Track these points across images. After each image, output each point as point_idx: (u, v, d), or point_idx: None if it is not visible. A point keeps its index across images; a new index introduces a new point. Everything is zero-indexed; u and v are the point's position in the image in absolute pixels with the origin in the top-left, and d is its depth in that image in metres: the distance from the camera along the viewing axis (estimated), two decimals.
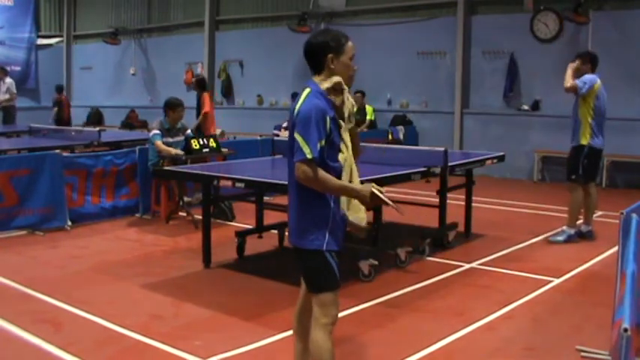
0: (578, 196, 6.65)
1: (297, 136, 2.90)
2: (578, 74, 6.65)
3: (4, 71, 14.59)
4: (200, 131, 10.37)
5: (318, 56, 3.06)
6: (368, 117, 12.78)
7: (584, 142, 6.55)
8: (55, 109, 15.42)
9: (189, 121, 9.71)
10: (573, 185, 6.66)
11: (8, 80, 14.43)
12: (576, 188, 6.65)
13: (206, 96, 11.17)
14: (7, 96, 14.28)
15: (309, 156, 2.86)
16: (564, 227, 6.76)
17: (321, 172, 2.91)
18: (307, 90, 3.07)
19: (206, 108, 10.96)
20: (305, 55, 3.11)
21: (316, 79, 3.08)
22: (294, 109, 3.01)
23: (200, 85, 11.47)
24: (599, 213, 7.05)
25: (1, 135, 11.00)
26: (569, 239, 6.65)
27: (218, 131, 14.12)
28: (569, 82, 6.55)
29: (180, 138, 7.78)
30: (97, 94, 18.73)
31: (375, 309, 4.78)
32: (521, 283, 5.42)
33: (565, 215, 6.96)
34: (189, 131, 8.02)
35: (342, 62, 3.07)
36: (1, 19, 18.57)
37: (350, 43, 3.09)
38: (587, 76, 6.55)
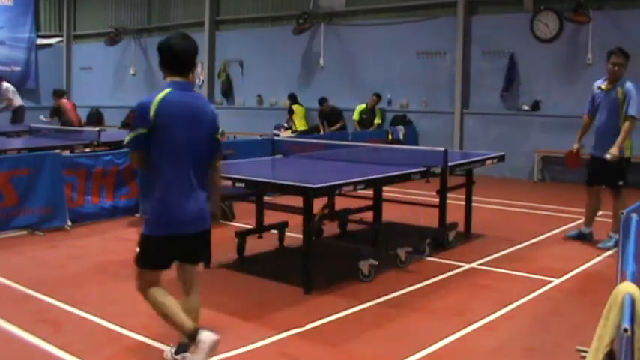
0: (624, 201, 6.39)
1: None
2: (620, 74, 6.47)
3: None
4: None
5: None
6: (376, 120, 12.89)
7: (628, 154, 6.46)
8: (55, 117, 13.34)
9: None
10: (621, 191, 6.50)
11: (5, 85, 14.40)
12: (622, 192, 6.50)
13: None
14: (19, 100, 14.32)
15: None
16: (611, 233, 6.54)
17: None
18: None
19: None
20: None
21: None
22: None
23: None
24: (599, 213, 7.05)
25: (1, 135, 11.00)
26: (617, 243, 6.49)
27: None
28: (625, 135, 6.35)
29: None
30: (97, 94, 18.72)
31: (375, 309, 4.79)
32: (521, 283, 5.42)
33: (568, 216, 6.94)
34: None
35: None
36: (1, 19, 18.57)
37: None
38: (634, 91, 6.37)
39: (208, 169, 3.63)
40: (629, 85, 6.44)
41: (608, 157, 6.37)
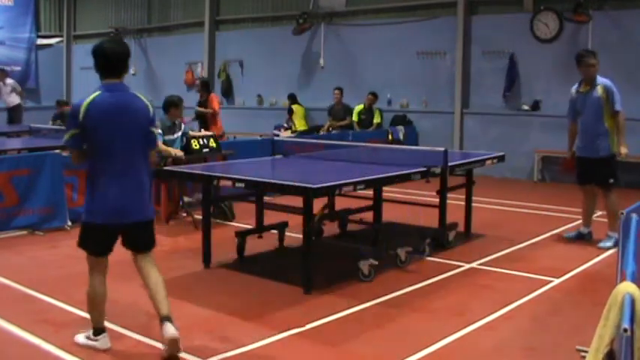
0: (615, 198, 6.51)
1: None
2: (595, 74, 6.53)
3: (4, 73, 14.53)
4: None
5: None
6: (376, 120, 12.86)
7: (615, 149, 6.51)
8: (58, 121, 13.03)
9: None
10: (611, 189, 6.56)
11: (10, 81, 14.38)
12: (613, 190, 6.55)
13: (213, 97, 11.37)
14: (17, 99, 14.25)
15: None
16: (609, 232, 6.58)
17: None
18: None
19: (215, 107, 11.19)
20: None
21: None
22: None
23: (205, 87, 11.62)
24: (599, 213, 7.06)
25: (1, 135, 10.99)
26: (616, 242, 6.54)
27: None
28: (623, 132, 6.47)
29: (178, 134, 7.81)
30: None
31: (375, 309, 4.79)
32: (521, 283, 5.42)
33: (568, 216, 6.92)
34: (184, 126, 8.00)
35: None
36: (1, 19, 18.55)
37: None
38: (612, 87, 6.44)
39: (146, 159, 3.92)
40: (607, 82, 6.51)
41: (624, 158, 6.48)
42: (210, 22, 16.22)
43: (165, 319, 3.83)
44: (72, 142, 3.82)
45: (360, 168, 6.25)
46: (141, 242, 4.01)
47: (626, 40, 10.59)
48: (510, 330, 4.41)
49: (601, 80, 6.52)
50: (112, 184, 3.78)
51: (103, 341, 3.96)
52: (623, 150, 6.46)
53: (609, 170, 6.55)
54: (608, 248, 6.42)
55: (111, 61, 3.82)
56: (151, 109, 3.91)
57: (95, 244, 3.91)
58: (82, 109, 3.71)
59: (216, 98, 11.42)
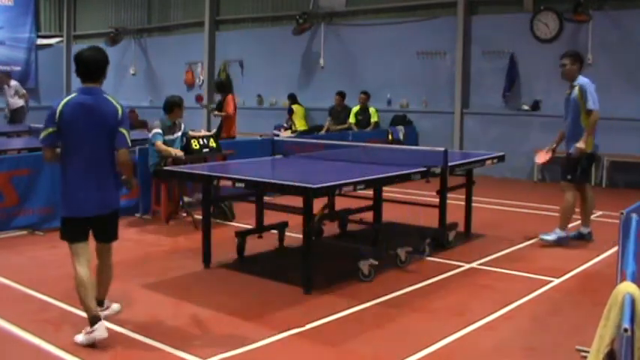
0: (571, 197, 6.60)
1: None
2: (570, 75, 6.62)
3: (7, 75, 14.55)
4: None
5: None
6: (373, 119, 12.82)
7: (589, 148, 6.52)
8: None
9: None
10: (569, 185, 6.63)
11: (13, 83, 14.39)
12: (571, 188, 6.62)
13: (229, 99, 10.77)
14: (20, 101, 14.23)
15: None
16: (556, 229, 6.63)
17: None
18: None
19: (229, 110, 10.62)
20: None
21: None
22: None
23: (221, 88, 11.30)
24: (599, 213, 7.05)
25: (1, 135, 10.99)
26: (559, 241, 6.56)
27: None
28: (590, 131, 6.46)
29: (178, 134, 7.80)
30: None
31: (375, 309, 4.79)
32: (521, 283, 5.42)
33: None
34: (183, 126, 7.98)
35: None
36: (1, 19, 18.56)
37: None
38: (588, 86, 6.48)
39: (113, 157, 4.16)
40: (582, 81, 6.55)
41: (571, 150, 6.51)
42: (210, 22, 16.23)
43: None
44: (48, 140, 4.10)
45: (360, 168, 6.25)
46: (104, 233, 4.30)
47: (626, 40, 10.59)
48: (510, 330, 4.41)
49: (579, 80, 6.58)
50: (80, 180, 4.08)
51: (100, 330, 3.99)
52: (579, 144, 6.45)
53: (572, 165, 6.58)
54: (548, 242, 6.50)
55: (90, 68, 4.16)
56: (120, 112, 4.14)
57: (72, 233, 4.17)
58: (58, 110, 4.03)
59: (231, 100, 10.63)
